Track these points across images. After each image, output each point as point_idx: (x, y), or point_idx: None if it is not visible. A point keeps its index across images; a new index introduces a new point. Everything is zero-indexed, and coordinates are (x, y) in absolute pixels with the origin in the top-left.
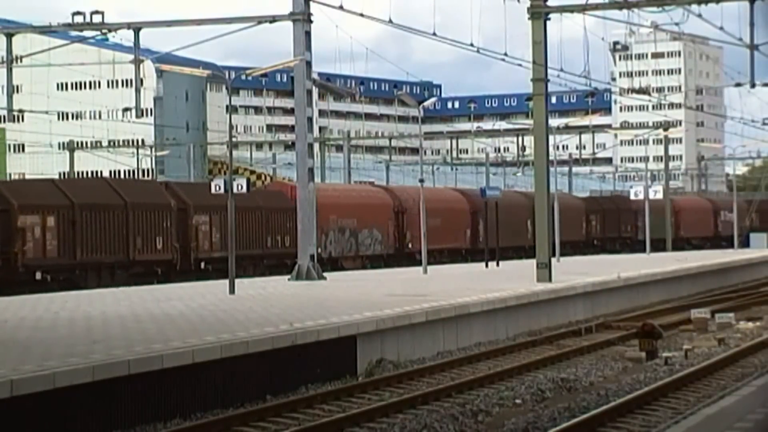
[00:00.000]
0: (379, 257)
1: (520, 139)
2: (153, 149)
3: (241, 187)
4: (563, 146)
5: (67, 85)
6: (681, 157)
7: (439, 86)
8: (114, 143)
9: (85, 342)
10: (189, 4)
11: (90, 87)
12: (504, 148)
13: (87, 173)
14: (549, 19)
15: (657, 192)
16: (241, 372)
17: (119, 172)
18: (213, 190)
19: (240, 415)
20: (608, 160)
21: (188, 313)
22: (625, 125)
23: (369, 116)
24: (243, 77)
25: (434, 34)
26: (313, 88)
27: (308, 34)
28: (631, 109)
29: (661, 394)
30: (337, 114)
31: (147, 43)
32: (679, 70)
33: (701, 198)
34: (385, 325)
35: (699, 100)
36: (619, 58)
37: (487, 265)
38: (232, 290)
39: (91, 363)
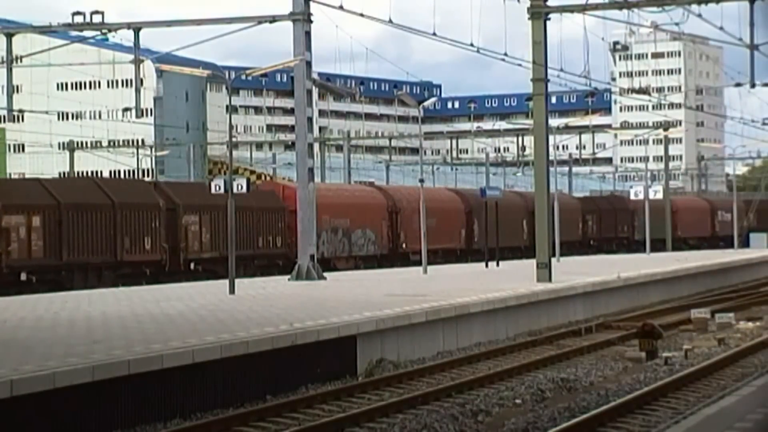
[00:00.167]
0: (372, 258)
1: (520, 139)
2: (153, 149)
3: (241, 187)
4: (563, 146)
5: (67, 85)
6: (681, 157)
7: (439, 86)
8: (114, 143)
9: (85, 342)
10: (189, 4)
11: (90, 87)
12: (504, 148)
13: (87, 173)
14: (549, 19)
15: (657, 192)
16: (241, 372)
17: (119, 172)
18: (213, 190)
19: (240, 415)
20: (608, 160)
21: (188, 313)
22: (625, 125)
23: (369, 116)
24: (243, 77)
25: (434, 34)
26: (313, 88)
27: (308, 34)
28: (631, 109)
29: (661, 394)
30: (337, 114)
31: (147, 43)
32: (679, 70)
33: (699, 198)
34: (385, 325)
35: (699, 100)
36: (619, 58)
37: (487, 265)
38: (232, 290)
39: (91, 363)
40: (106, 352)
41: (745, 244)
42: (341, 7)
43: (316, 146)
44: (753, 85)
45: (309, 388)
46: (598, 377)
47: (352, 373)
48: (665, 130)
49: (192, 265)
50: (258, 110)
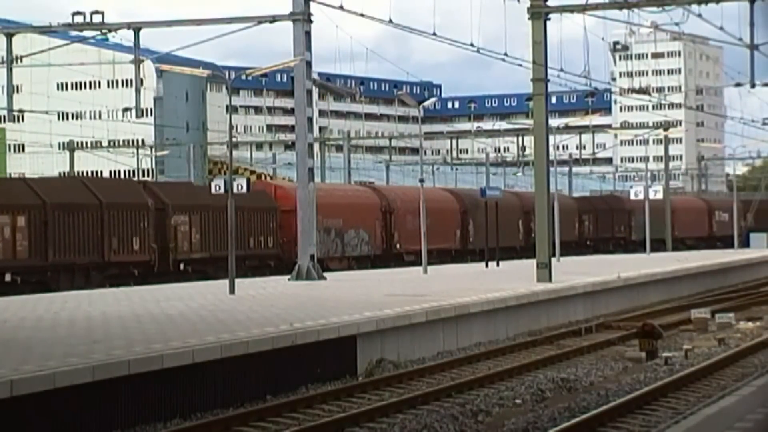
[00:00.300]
0: (366, 258)
1: (520, 139)
2: (153, 149)
3: (241, 187)
4: (563, 146)
5: (67, 85)
6: (681, 157)
7: (439, 86)
8: (114, 143)
9: (85, 342)
10: (189, 4)
11: (90, 87)
12: (504, 148)
13: (87, 173)
14: (549, 19)
15: (657, 192)
16: (241, 372)
17: (119, 172)
18: (213, 190)
19: (240, 415)
20: (608, 160)
21: (188, 313)
22: (625, 125)
23: (369, 116)
24: (243, 77)
25: (434, 34)
26: (313, 88)
27: (308, 34)
28: (631, 109)
29: (661, 394)
30: (337, 114)
31: (147, 43)
32: (679, 70)
33: (696, 198)
34: (385, 325)
35: (699, 100)
36: (619, 58)
37: (487, 265)
38: (232, 290)
39: (91, 363)
40: (106, 352)
41: (745, 244)
42: (341, 7)
43: (316, 146)
44: (753, 85)
45: (309, 388)
46: (598, 377)
47: (352, 373)
48: (665, 130)
49: (181, 266)
50: (258, 110)
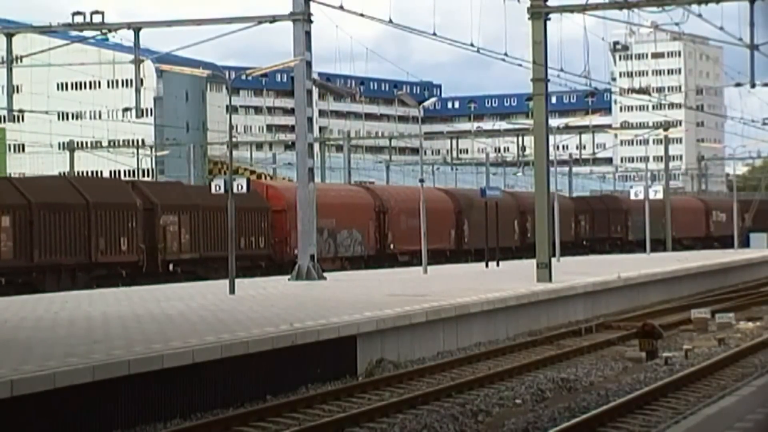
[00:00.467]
0: (359, 259)
1: (520, 139)
2: (153, 149)
3: (242, 187)
4: (563, 146)
5: (67, 85)
6: (681, 157)
7: (439, 86)
8: (114, 143)
9: (85, 342)
10: (189, 4)
11: (90, 87)
12: (504, 148)
13: (87, 173)
14: (549, 19)
15: (657, 192)
16: (241, 372)
17: (119, 172)
18: (213, 190)
19: (240, 415)
20: (608, 160)
21: (188, 312)
22: (625, 125)
23: (369, 116)
24: (243, 77)
25: (434, 34)
26: (313, 88)
27: (308, 34)
28: (631, 109)
29: (661, 394)
30: (337, 114)
31: (147, 43)
32: (679, 70)
33: (693, 198)
34: (386, 325)
35: (699, 100)
36: (619, 58)
37: (487, 265)
38: (232, 290)
39: (91, 363)
40: (106, 352)
41: (745, 244)
42: (341, 7)
43: (316, 146)
44: (753, 85)
45: (309, 388)
46: (598, 377)
47: (352, 373)
48: (665, 130)
49: (171, 267)
50: (258, 110)
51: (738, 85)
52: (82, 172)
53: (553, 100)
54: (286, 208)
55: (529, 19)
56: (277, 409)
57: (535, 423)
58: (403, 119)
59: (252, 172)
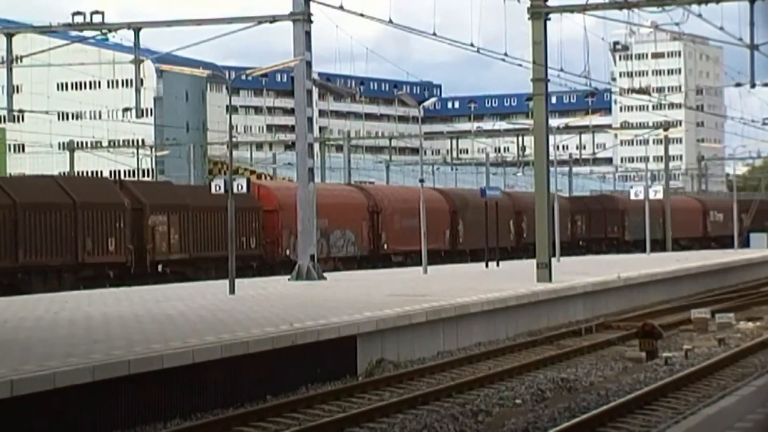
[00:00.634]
0: (352, 259)
1: (520, 139)
2: (153, 149)
3: (242, 188)
4: (563, 146)
5: (67, 85)
6: (681, 157)
7: (439, 86)
8: (114, 143)
9: (85, 342)
10: (189, 4)
11: (90, 87)
12: (504, 148)
13: (87, 173)
14: (549, 19)
15: (657, 192)
16: (241, 372)
17: (119, 172)
18: (213, 190)
19: (240, 415)
20: (608, 160)
21: (188, 312)
22: (625, 125)
23: (369, 116)
24: (243, 77)
25: (434, 34)
26: (313, 88)
27: (308, 34)
28: (631, 109)
29: (661, 394)
30: (337, 114)
31: (147, 43)
32: (679, 70)
33: (690, 198)
34: (386, 325)
35: (699, 100)
36: (619, 58)
37: (487, 265)
38: (232, 290)
39: (91, 363)
40: (106, 352)
41: (745, 244)
42: (341, 7)
43: (316, 146)
44: (753, 85)
45: (309, 388)
46: (598, 377)
47: (352, 373)
48: (665, 130)
49: (159, 267)
50: (258, 110)
51: (738, 85)
52: (82, 172)
53: (553, 100)
54: (277, 208)
55: (529, 19)
56: (277, 409)
57: (535, 423)
58: (403, 119)
59: (252, 173)
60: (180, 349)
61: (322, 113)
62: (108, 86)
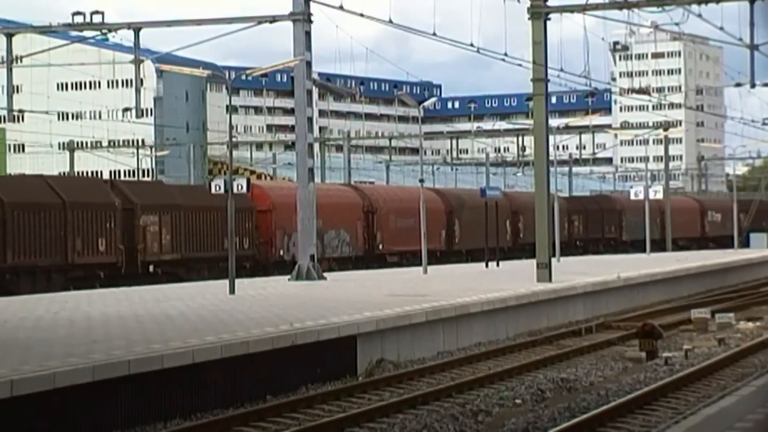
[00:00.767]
0: (347, 259)
1: (520, 139)
2: (153, 149)
3: (241, 188)
4: (563, 146)
5: (67, 85)
6: (681, 157)
7: (439, 86)
8: (114, 143)
9: (85, 342)
10: (189, 4)
11: (90, 87)
12: (504, 148)
13: (87, 173)
14: (549, 19)
15: (657, 192)
16: (241, 372)
17: (119, 172)
18: (213, 191)
19: (240, 415)
20: (608, 160)
21: (188, 313)
22: (625, 125)
23: (369, 116)
24: (243, 77)
25: (434, 34)
26: (313, 88)
27: (308, 34)
28: (631, 109)
29: (661, 394)
30: (337, 114)
31: (147, 43)
32: (679, 70)
33: (688, 198)
34: (386, 325)
35: (699, 100)
36: (619, 58)
37: (487, 265)
38: (232, 290)
39: (91, 363)
40: (106, 352)
41: (745, 244)
42: (341, 7)
43: (316, 146)
44: (753, 85)
45: (309, 388)
46: (598, 377)
47: (352, 373)
48: (665, 130)
49: (151, 268)
50: (258, 110)
51: (738, 85)
52: (82, 172)
53: (553, 100)
54: (271, 208)
55: (529, 19)
56: (277, 409)
57: (535, 423)
58: (403, 119)
59: (252, 173)
60: (180, 349)
61: (322, 113)
62: (108, 86)
